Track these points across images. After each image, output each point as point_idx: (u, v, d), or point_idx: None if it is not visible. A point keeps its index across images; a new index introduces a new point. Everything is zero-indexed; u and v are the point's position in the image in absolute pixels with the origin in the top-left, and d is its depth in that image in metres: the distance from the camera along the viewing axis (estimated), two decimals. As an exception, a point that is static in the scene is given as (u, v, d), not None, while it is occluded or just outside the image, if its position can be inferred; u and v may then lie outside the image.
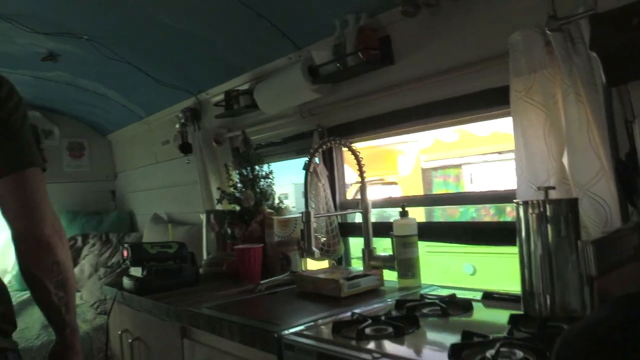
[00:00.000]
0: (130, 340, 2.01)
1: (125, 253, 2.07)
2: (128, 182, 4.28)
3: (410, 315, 1.27)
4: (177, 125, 3.13)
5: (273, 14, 2.04)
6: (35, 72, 3.09)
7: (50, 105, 3.96)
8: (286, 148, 2.51)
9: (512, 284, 1.43)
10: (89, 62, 2.82)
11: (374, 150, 5.29)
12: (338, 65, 1.90)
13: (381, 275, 1.73)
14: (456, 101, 1.71)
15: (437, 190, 5.50)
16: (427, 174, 5.87)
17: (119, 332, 2.10)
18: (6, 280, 3.79)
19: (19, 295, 3.40)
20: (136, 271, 2.05)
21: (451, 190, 5.26)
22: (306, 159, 1.79)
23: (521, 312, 1.18)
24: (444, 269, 3.95)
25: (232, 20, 2.14)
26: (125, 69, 2.83)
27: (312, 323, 1.34)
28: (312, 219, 1.70)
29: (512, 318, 1.16)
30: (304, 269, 2.12)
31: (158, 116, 3.44)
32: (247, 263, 2.09)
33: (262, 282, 1.90)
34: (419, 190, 5.36)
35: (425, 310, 1.34)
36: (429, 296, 1.48)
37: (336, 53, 1.89)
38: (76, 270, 3.55)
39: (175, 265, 2.08)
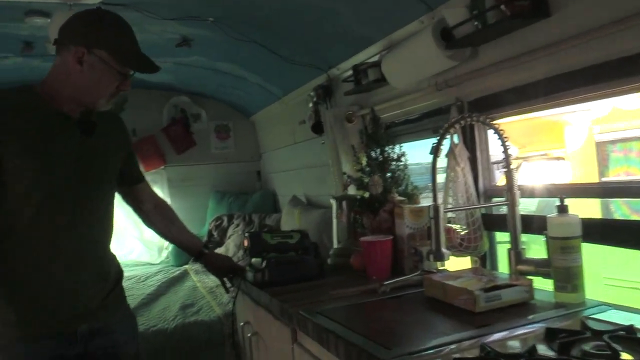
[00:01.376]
0: (249, 335, 1.92)
1: (245, 242, 1.97)
2: (270, 162, 4.31)
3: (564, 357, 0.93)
4: (310, 104, 2.98)
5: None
6: (176, 58, 3.16)
7: (196, 89, 4.11)
8: (420, 126, 2.20)
9: None
10: (220, 45, 2.78)
11: (535, 121, 4.63)
12: (476, 24, 1.54)
13: (531, 285, 1.38)
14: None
15: (615, 167, 4.67)
16: (602, 148, 5.01)
17: (241, 324, 2.03)
18: (163, 256, 4.07)
19: (172, 271, 3.61)
20: (257, 262, 1.95)
21: (634, 168, 4.42)
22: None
23: None
24: (624, 263, 3.29)
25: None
26: (254, 50, 2.74)
27: (432, 351, 1.06)
28: (442, 214, 1.40)
29: None
30: (438, 268, 1.83)
31: (293, 95, 3.34)
32: (374, 258, 1.86)
33: (386, 282, 1.66)
34: (592, 167, 4.60)
35: (586, 348, 0.98)
36: (594, 324, 1.11)
37: (473, 9, 1.54)
38: (221, 250, 3.66)
39: (297, 257, 1.94)
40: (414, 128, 2.25)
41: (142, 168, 1.86)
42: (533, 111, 1.81)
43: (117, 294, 1.62)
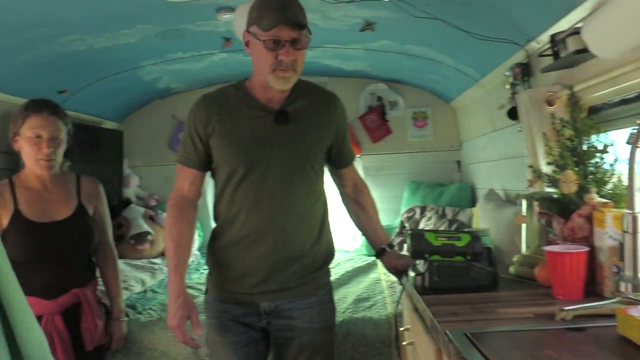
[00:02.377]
0: (404, 343, 1.73)
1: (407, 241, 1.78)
2: (470, 152, 3.96)
3: None
4: (507, 86, 2.60)
5: None
6: (364, 44, 3.08)
7: (392, 76, 3.98)
8: (636, 109, 1.70)
9: None
10: (404, 26, 2.60)
11: None
12: None
13: None
14: None
15: None
16: None
17: (401, 329, 1.85)
18: (358, 244, 4.07)
19: (362, 260, 3.59)
20: (420, 264, 1.75)
21: None
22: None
23: None
24: None
25: None
26: (441, 28, 2.48)
27: None
28: (643, 227, 1.02)
29: None
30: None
31: (491, 77, 2.96)
32: (561, 273, 1.49)
33: (570, 307, 1.30)
34: None
35: None
36: None
37: None
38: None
39: (464, 263, 1.67)
40: (626, 112, 1.75)
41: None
42: None
43: (309, 279, 1.64)
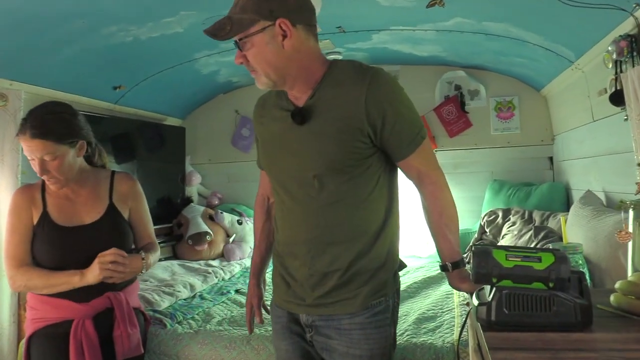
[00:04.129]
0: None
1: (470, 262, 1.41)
2: (564, 146, 3.42)
3: None
4: (610, 66, 2.12)
5: None
6: (435, 23, 2.69)
7: (471, 61, 3.53)
8: None
9: None
10: (478, -3, 2.19)
11: None
12: None
13: None
14: None
15: None
16: None
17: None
18: (431, 250, 3.67)
19: (435, 269, 3.20)
20: (485, 291, 1.37)
21: None
22: None
23: None
24: None
25: None
26: (523, -5, 2.05)
27: None
28: None
29: None
30: None
31: (589, 56, 2.46)
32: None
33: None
34: None
35: None
36: None
37: None
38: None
39: (544, 293, 1.27)
40: None
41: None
42: None
43: (349, 297, 1.41)
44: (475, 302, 1.36)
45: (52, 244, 1.77)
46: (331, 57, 3.36)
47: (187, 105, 4.12)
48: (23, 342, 1.81)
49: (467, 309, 2.20)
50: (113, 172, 1.96)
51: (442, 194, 1.45)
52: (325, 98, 1.36)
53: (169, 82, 3.40)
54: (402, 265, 1.55)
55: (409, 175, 1.46)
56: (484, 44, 2.96)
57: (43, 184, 1.85)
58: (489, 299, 1.30)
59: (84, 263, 1.74)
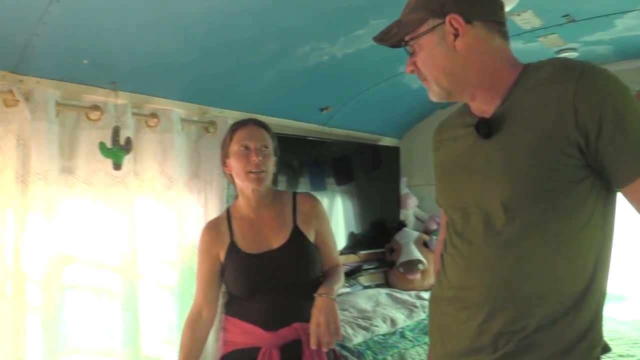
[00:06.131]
0: None
1: None
2: None
3: None
4: None
5: None
6: None
7: None
8: None
9: None
10: None
11: None
12: None
13: None
14: None
15: None
16: None
17: None
18: None
19: None
20: None
21: None
22: None
23: None
24: None
25: None
26: None
27: None
28: None
29: None
30: None
31: None
32: None
33: None
34: None
35: None
36: None
37: None
38: None
39: None
40: None
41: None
42: None
43: None
44: None
45: (242, 272, 1.78)
46: (563, 55, 2.76)
47: (402, 124, 3.92)
48: None
49: None
50: (294, 193, 1.91)
51: None
52: (519, 105, 1.06)
53: (378, 100, 3.25)
54: (607, 349, 1.05)
55: (638, 207, 0.99)
56: None
57: (228, 213, 1.89)
58: None
59: (273, 289, 1.72)
